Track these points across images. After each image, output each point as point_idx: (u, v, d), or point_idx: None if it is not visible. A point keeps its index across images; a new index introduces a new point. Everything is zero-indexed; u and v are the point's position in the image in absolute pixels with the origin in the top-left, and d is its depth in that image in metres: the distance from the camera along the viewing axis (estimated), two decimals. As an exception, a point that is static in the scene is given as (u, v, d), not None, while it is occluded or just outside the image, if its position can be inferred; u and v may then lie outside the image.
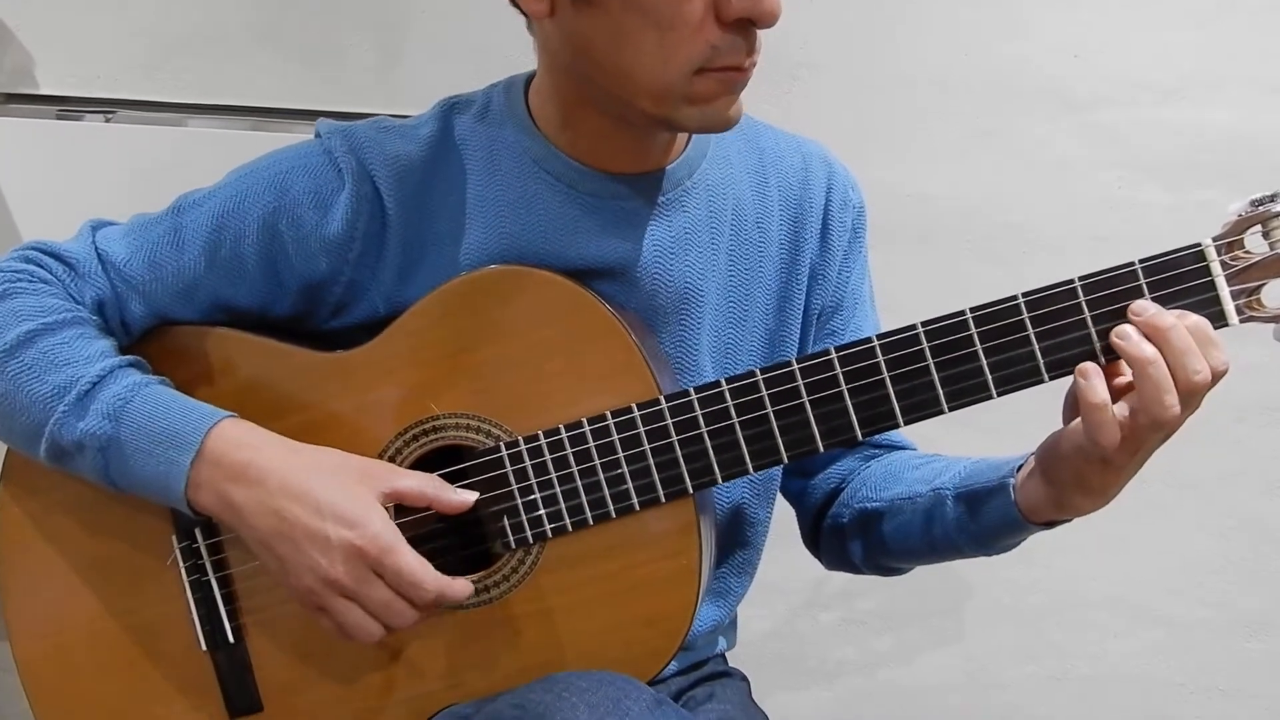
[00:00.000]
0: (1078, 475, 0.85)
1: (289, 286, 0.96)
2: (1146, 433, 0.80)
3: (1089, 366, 0.82)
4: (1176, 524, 1.66)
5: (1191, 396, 0.80)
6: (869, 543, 1.04)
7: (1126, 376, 0.82)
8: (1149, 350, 0.80)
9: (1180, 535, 1.67)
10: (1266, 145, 1.58)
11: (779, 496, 1.11)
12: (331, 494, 0.86)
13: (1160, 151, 1.61)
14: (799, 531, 1.14)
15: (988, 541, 0.96)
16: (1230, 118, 1.59)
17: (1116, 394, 0.82)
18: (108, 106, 1.69)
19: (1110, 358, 0.83)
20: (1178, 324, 0.80)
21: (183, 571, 0.96)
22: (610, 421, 0.89)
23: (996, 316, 0.84)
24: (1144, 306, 0.82)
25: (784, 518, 1.12)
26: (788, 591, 1.74)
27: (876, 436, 1.06)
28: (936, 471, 0.99)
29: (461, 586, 0.88)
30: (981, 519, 0.94)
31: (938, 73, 1.64)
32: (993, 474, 0.93)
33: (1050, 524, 0.91)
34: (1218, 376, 0.80)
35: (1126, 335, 0.81)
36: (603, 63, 0.87)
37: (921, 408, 0.86)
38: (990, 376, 0.85)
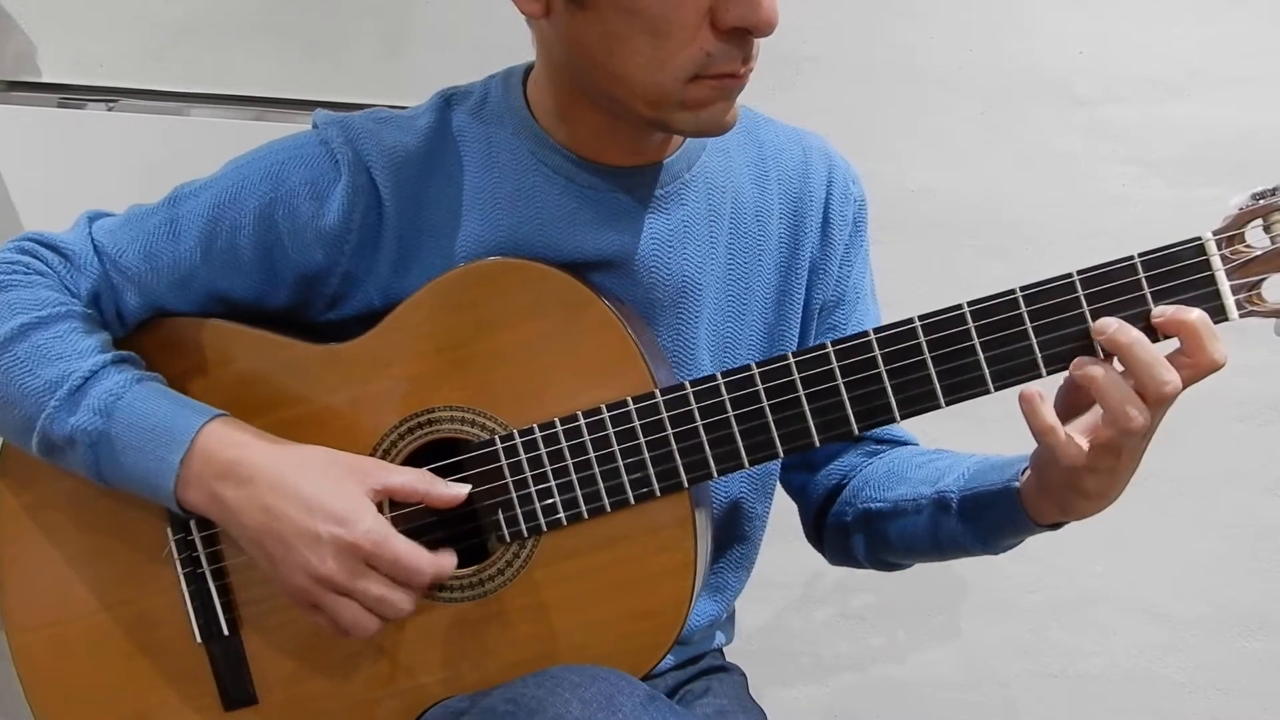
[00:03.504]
0: (1070, 481, 0.84)
1: (284, 278, 0.96)
2: (1120, 441, 0.80)
3: (1031, 394, 0.81)
4: (1176, 522, 1.66)
5: (1161, 405, 0.79)
6: (873, 541, 1.04)
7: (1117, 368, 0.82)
8: (1096, 369, 0.80)
9: (1180, 533, 1.66)
10: (1272, 142, 1.57)
11: (778, 491, 1.11)
12: (321, 491, 0.86)
13: (1165, 148, 1.61)
14: (801, 526, 1.14)
15: (993, 542, 0.95)
16: (1236, 114, 1.59)
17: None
18: (110, 95, 1.70)
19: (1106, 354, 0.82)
20: (1140, 338, 0.80)
21: (177, 563, 0.96)
22: (605, 415, 0.89)
23: (994, 311, 0.84)
24: (1106, 324, 0.81)
25: (780, 513, 1.11)
26: (783, 586, 1.74)
27: (877, 431, 1.06)
28: (940, 472, 0.99)
29: (448, 560, 0.88)
30: (987, 522, 0.93)
31: (942, 68, 1.63)
32: (997, 477, 0.92)
33: (1055, 525, 0.91)
34: (1217, 369, 0.80)
35: (1080, 364, 0.81)
36: (598, 65, 0.87)
37: (918, 402, 0.86)
38: (987, 371, 0.84)
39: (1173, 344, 0.81)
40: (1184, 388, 0.80)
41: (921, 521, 0.98)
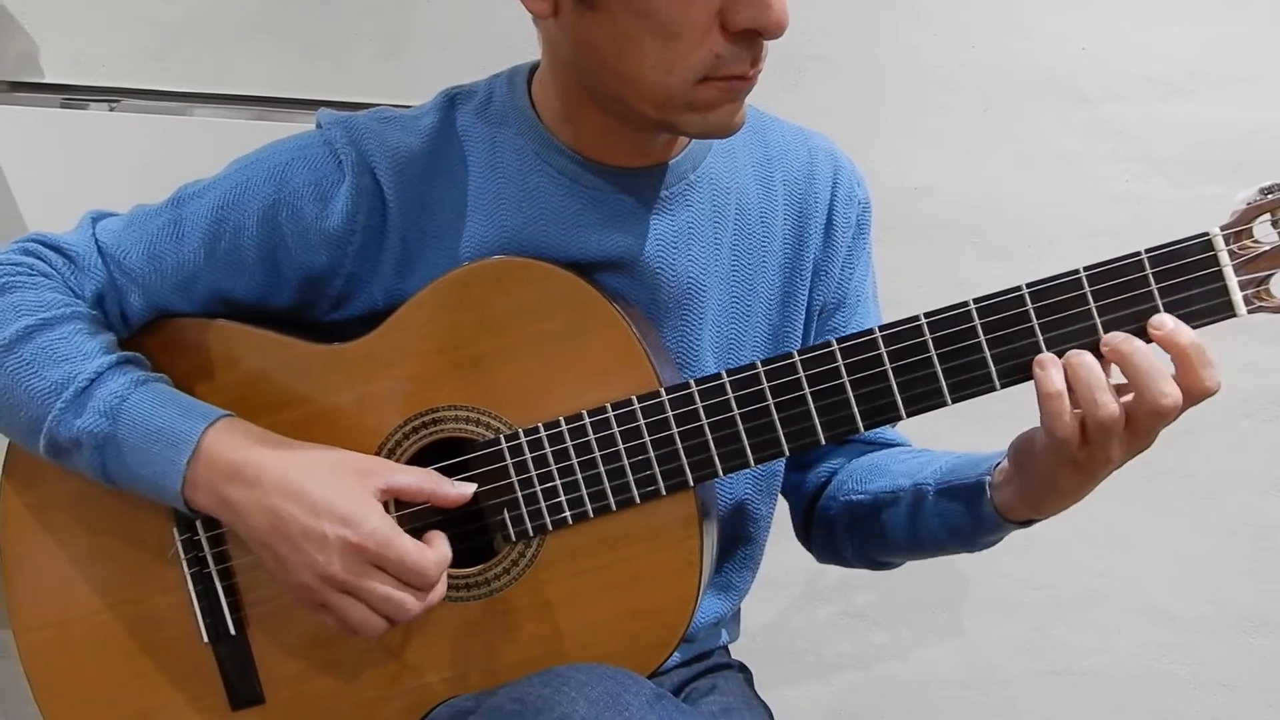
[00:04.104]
0: (1048, 476, 0.84)
1: (288, 278, 0.96)
2: (1100, 437, 0.80)
3: (1046, 357, 0.82)
4: (1180, 519, 1.66)
5: (1159, 418, 0.79)
6: (855, 536, 1.04)
7: (1117, 379, 0.82)
8: (1077, 357, 0.80)
9: (1183, 531, 1.67)
10: (1273, 141, 1.58)
11: (778, 490, 1.11)
12: (327, 492, 0.86)
13: (1166, 147, 1.61)
14: (792, 524, 1.13)
15: (967, 538, 0.96)
16: (1236, 113, 1.59)
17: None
18: (112, 95, 1.70)
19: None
20: (1143, 348, 0.80)
21: (184, 563, 0.96)
22: (610, 414, 0.89)
23: (1000, 307, 0.83)
24: (1112, 337, 0.81)
25: (784, 512, 1.12)
26: (787, 584, 1.74)
27: (871, 433, 1.06)
28: (920, 466, 0.99)
29: (446, 550, 0.87)
30: (960, 516, 0.94)
31: (943, 67, 1.63)
32: (972, 471, 0.93)
33: (1027, 522, 0.91)
34: (1207, 396, 0.79)
35: (1069, 354, 0.81)
36: (606, 66, 0.86)
37: (924, 399, 0.85)
38: (994, 368, 0.84)
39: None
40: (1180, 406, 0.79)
41: (899, 514, 0.98)
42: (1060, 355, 0.82)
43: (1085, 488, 0.85)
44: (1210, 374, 0.79)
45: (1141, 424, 0.80)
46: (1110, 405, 0.79)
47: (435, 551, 0.87)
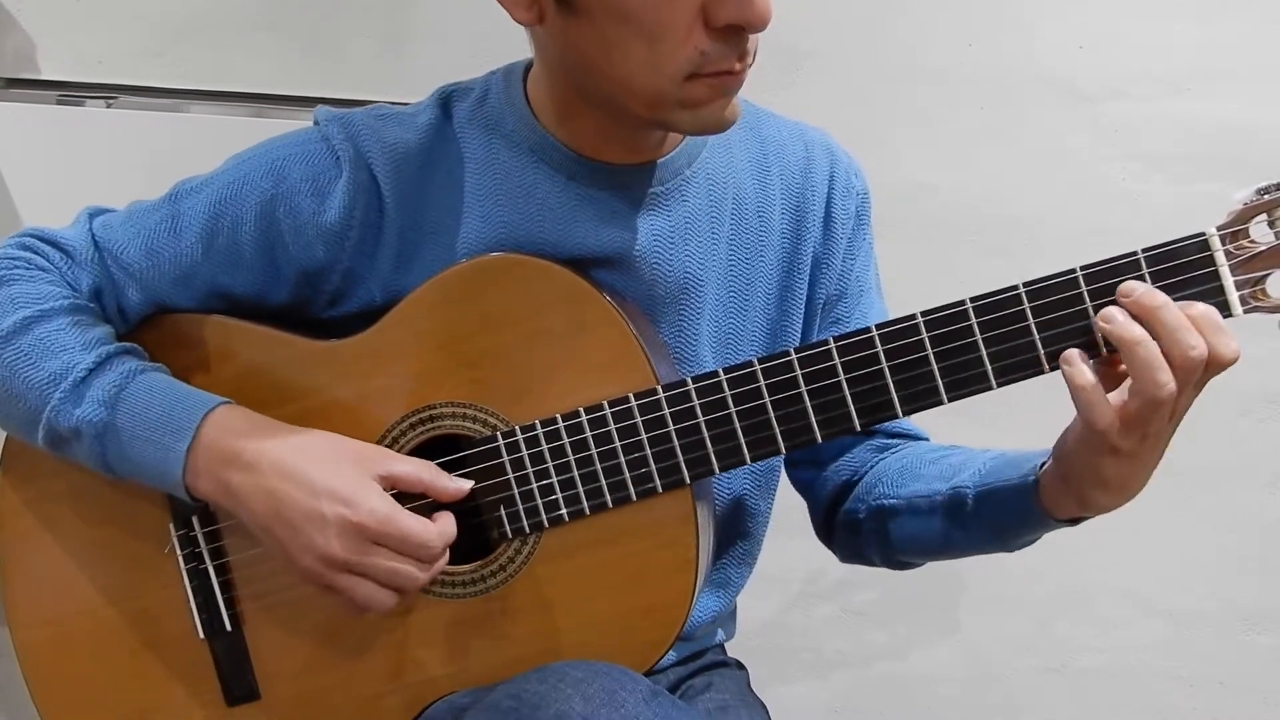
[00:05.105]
0: (1090, 467, 0.83)
1: (286, 274, 0.96)
2: (1147, 413, 0.78)
3: (1073, 354, 0.81)
4: (1178, 517, 1.66)
5: (1188, 374, 0.78)
6: (886, 540, 1.03)
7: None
8: (1136, 330, 0.79)
9: (1182, 528, 1.66)
10: (1273, 139, 1.57)
11: (787, 487, 1.11)
12: (326, 475, 0.86)
13: (1166, 144, 1.61)
14: (811, 523, 1.13)
15: (1009, 539, 0.95)
16: (1237, 111, 1.59)
17: (1119, 381, 0.81)
18: (109, 92, 1.69)
19: (1111, 349, 0.81)
20: (1168, 302, 0.79)
21: (180, 559, 0.96)
22: (607, 411, 0.89)
23: (997, 306, 0.83)
24: (1133, 287, 0.80)
25: (782, 508, 1.11)
26: (785, 582, 1.74)
27: (888, 425, 1.06)
28: (955, 468, 0.98)
29: (450, 525, 0.88)
30: (1003, 518, 0.92)
31: (942, 64, 1.63)
32: (1014, 472, 0.92)
33: (1074, 520, 0.90)
34: (1226, 363, 0.78)
35: (1111, 318, 0.80)
36: (595, 69, 0.87)
37: (920, 398, 0.85)
38: (990, 367, 0.84)
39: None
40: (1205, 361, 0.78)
41: (935, 518, 0.97)
42: (1055, 356, 0.82)
43: (1135, 475, 0.83)
44: (1225, 340, 0.78)
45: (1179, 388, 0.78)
46: (1169, 385, 0.77)
47: (438, 524, 0.87)
